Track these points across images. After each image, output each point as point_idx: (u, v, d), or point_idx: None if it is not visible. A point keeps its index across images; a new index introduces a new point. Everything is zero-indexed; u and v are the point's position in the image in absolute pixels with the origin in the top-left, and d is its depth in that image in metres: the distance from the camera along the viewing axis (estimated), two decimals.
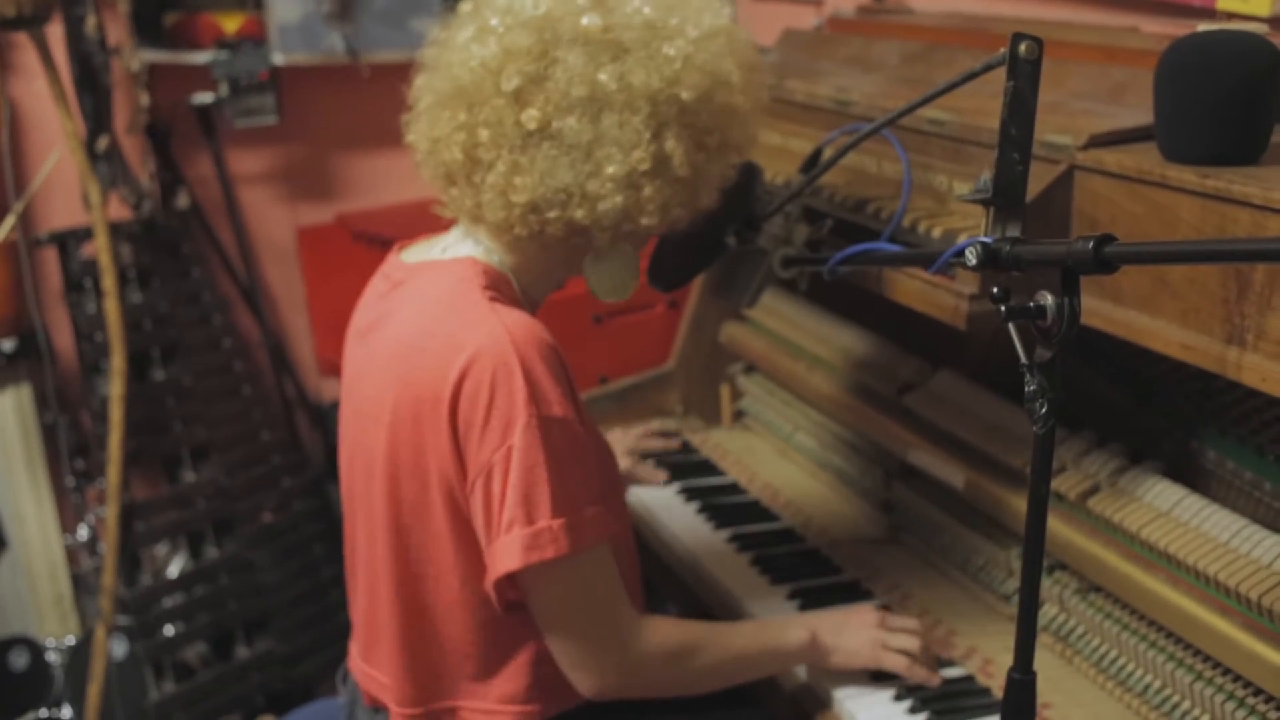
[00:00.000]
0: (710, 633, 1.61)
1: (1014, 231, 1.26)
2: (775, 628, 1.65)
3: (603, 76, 1.44)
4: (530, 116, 1.44)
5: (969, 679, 1.63)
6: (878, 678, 1.63)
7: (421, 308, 1.53)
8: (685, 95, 1.46)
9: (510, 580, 1.49)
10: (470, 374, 1.43)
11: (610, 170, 1.45)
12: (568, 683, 1.55)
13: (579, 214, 1.47)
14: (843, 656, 1.63)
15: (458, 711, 1.61)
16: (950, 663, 1.67)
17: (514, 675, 1.60)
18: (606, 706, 1.59)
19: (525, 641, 1.58)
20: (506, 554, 1.46)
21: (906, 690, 1.60)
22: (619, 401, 2.40)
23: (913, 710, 1.57)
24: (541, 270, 1.60)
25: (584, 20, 1.44)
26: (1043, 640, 1.67)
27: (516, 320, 1.46)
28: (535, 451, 1.43)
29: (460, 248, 1.59)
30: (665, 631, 1.58)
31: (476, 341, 1.44)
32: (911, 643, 1.63)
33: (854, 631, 1.64)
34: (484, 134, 1.47)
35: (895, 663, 1.62)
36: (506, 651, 1.59)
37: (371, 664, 1.68)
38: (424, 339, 1.49)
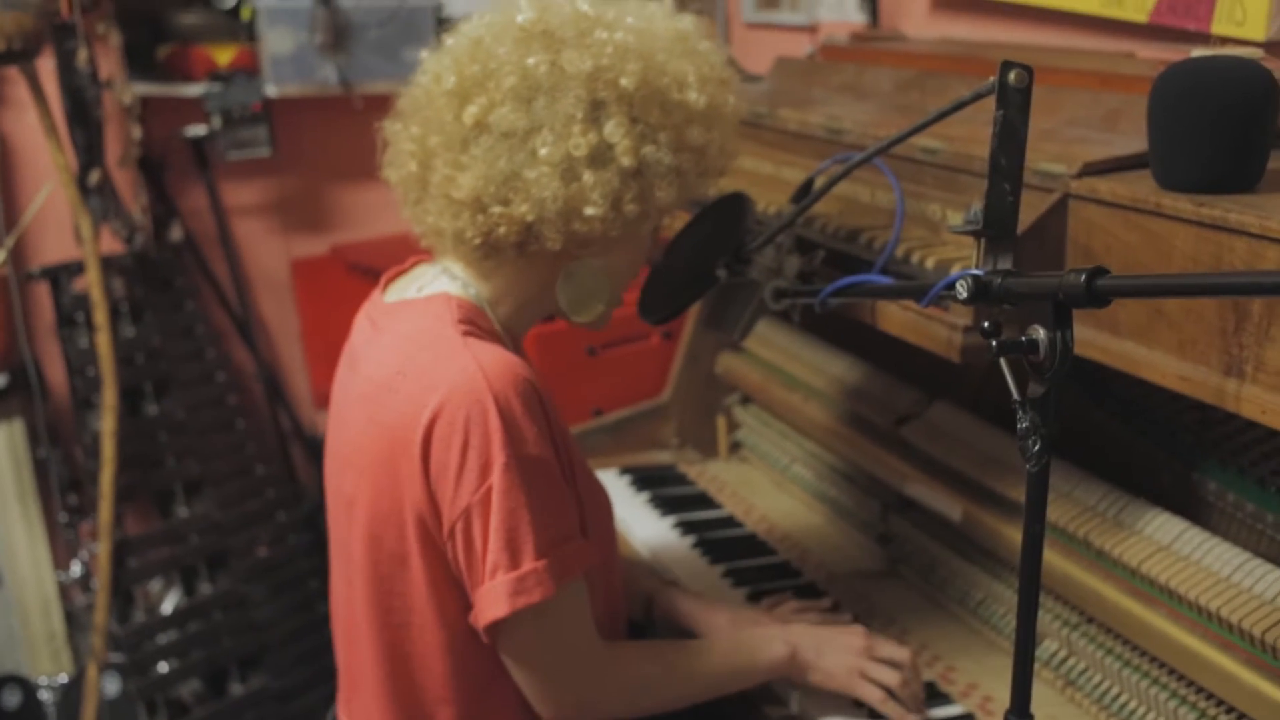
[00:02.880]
0: (678, 659, 1.60)
1: (1005, 263, 1.24)
2: (750, 645, 1.62)
3: (531, 60, 1.44)
4: (469, 114, 1.45)
5: (969, 717, 1.60)
6: (876, 713, 1.60)
7: (395, 346, 1.50)
8: (625, 82, 1.45)
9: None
10: (443, 415, 1.40)
11: (544, 153, 1.43)
12: None
13: (523, 209, 1.45)
14: (820, 676, 1.61)
15: None
16: (949, 700, 1.64)
17: (501, 707, 1.57)
18: None
19: (507, 672, 1.55)
20: (493, 602, 1.43)
21: None
22: (613, 434, 2.38)
23: None
24: (518, 299, 1.57)
25: (519, 18, 1.47)
26: (1044, 676, 1.64)
27: (491, 356, 1.43)
28: (515, 493, 1.40)
29: (435, 284, 1.56)
30: (631, 662, 1.58)
31: (449, 380, 1.41)
32: (892, 678, 1.59)
33: (835, 654, 1.61)
34: (434, 140, 1.49)
35: (870, 694, 1.59)
36: (491, 687, 1.56)
37: (354, 717, 1.64)
38: (396, 379, 1.46)
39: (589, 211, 1.45)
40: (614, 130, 1.45)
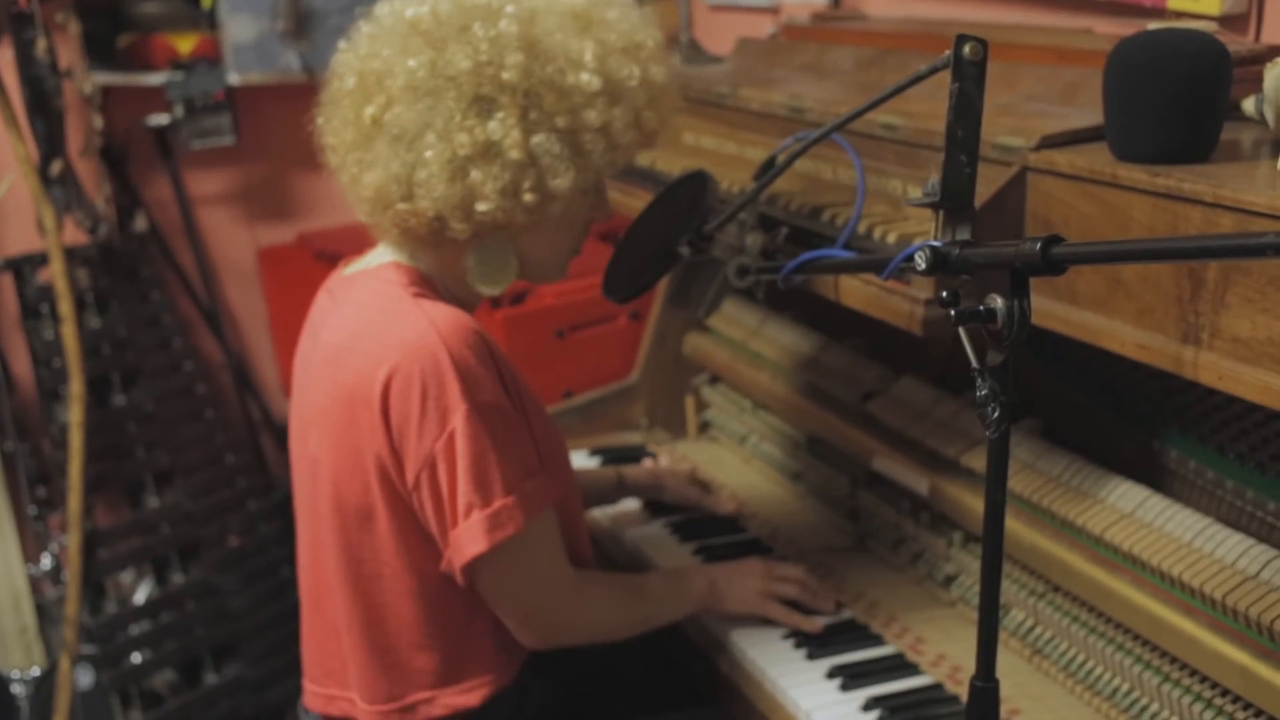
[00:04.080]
0: (632, 586, 1.74)
1: (963, 234, 1.25)
2: (681, 577, 1.78)
3: (412, 63, 1.45)
4: (367, 114, 1.47)
5: (938, 687, 1.62)
6: (846, 686, 1.62)
7: (352, 312, 1.56)
8: (506, 75, 1.45)
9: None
10: (400, 370, 1.45)
11: (429, 155, 1.45)
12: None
13: (424, 204, 1.47)
14: (734, 603, 1.75)
15: (434, 700, 1.62)
16: (918, 670, 1.65)
17: (478, 649, 1.62)
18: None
19: (481, 614, 1.61)
20: (470, 539, 1.49)
21: (875, 700, 1.59)
22: (583, 415, 2.38)
23: None
24: (455, 274, 1.60)
25: (408, 13, 1.48)
26: (1011, 645, 1.66)
27: (442, 314, 1.49)
28: (479, 437, 1.46)
29: (385, 255, 1.62)
30: (599, 585, 1.70)
31: (403, 337, 1.46)
32: (792, 590, 1.76)
33: (741, 579, 1.76)
34: (348, 135, 1.51)
35: (776, 611, 1.74)
36: (467, 630, 1.61)
37: (328, 683, 1.67)
38: (354, 340, 1.51)
39: (480, 207, 1.47)
40: (498, 126, 1.45)
